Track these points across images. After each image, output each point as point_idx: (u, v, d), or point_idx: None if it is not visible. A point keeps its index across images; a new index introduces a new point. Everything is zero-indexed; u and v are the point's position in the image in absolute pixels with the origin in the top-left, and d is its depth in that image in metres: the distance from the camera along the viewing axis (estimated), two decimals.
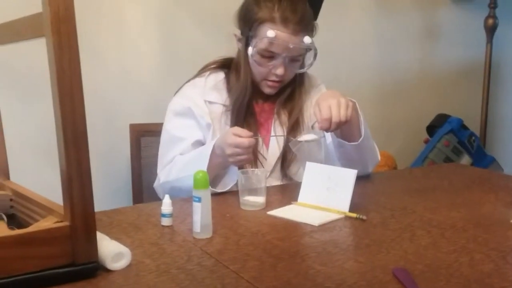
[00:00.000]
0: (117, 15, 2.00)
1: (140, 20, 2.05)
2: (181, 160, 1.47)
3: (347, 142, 1.45)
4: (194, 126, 1.50)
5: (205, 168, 1.30)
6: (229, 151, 1.32)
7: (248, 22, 1.49)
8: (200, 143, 1.50)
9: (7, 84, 1.80)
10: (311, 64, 1.53)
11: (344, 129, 1.45)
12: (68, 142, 0.79)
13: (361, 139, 1.45)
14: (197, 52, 1.79)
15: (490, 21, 2.77)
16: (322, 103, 1.34)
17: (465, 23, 2.88)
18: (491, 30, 2.78)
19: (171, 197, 1.13)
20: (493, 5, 2.75)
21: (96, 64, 1.96)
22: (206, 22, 2.14)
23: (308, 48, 1.49)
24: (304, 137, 1.39)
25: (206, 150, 1.38)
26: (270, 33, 1.43)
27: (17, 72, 1.82)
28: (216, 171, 1.40)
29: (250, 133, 1.33)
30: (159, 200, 1.26)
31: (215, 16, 2.11)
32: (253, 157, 1.34)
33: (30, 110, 1.84)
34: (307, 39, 1.46)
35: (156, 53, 2.10)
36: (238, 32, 1.54)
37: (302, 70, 1.55)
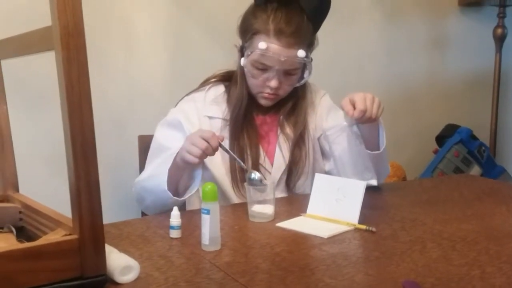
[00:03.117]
0: (126, 27, 2.01)
1: (149, 31, 2.06)
2: (156, 161, 1.46)
3: (369, 151, 1.45)
4: (181, 139, 1.46)
5: (167, 169, 1.33)
6: (196, 140, 1.30)
7: (245, 33, 1.49)
8: None
9: (16, 96, 1.81)
10: (305, 80, 1.51)
11: (366, 135, 1.45)
12: (77, 155, 0.79)
13: (383, 147, 1.45)
14: (206, 64, 1.79)
15: (499, 30, 2.76)
16: (357, 94, 1.34)
17: (473, 32, 2.87)
18: (500, 40, 2.77)
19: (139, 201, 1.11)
20: (502, 14, 2.75)
21: (105, 76, 1.97)
22: (215, 33, 2.15)
23: (302, 62, 1.46)
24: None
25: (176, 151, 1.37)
26: (262, 44, 1.41)
27: (26, 84, 1.83)
28: (181, 174, 1.39)
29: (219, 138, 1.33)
30: (167, 211, 1.26)
31: (225, 27, 2.11)
32: (202, 163, 1.36)
33: (39, 122, 1.85)
34: (301, 53, 1.42)
35: (165, 65, 2.11)
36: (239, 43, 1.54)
37: (297, 84, 1.51)
